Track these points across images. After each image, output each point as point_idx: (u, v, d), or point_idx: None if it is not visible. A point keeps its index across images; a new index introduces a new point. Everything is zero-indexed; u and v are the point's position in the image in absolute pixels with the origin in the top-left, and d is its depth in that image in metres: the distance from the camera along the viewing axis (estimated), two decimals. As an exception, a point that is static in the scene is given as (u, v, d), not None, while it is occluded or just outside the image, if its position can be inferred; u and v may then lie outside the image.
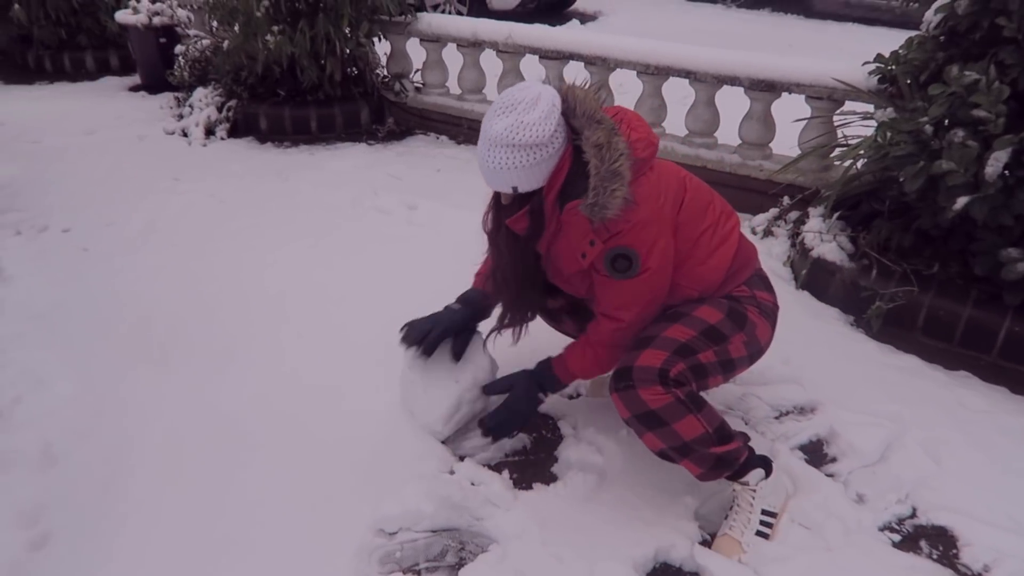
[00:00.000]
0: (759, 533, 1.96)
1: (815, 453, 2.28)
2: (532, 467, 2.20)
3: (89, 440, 2.23)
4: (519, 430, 2.26)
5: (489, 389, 2.23)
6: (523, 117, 1.77)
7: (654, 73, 4.07)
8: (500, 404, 2.15)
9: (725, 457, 1.89)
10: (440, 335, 2.20)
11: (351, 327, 2.74)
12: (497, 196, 1.97)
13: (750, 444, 2.01)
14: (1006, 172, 2.49)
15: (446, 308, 2.26)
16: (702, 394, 1.94)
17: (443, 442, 2.25)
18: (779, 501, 2.02)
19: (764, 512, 1.99)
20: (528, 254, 2.03)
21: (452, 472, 2.15)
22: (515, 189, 1.86)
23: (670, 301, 2.00)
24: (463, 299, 2.28)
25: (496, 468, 2.17)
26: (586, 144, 1.81)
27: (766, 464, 2.01)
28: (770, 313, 2.07)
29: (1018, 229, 2.60)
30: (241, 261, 3.29)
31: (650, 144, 1.91)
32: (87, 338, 2.72)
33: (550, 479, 2.17)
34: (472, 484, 2.10)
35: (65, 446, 2.20)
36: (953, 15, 2.77)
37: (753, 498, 1.98)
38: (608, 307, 1.98)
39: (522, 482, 2.15)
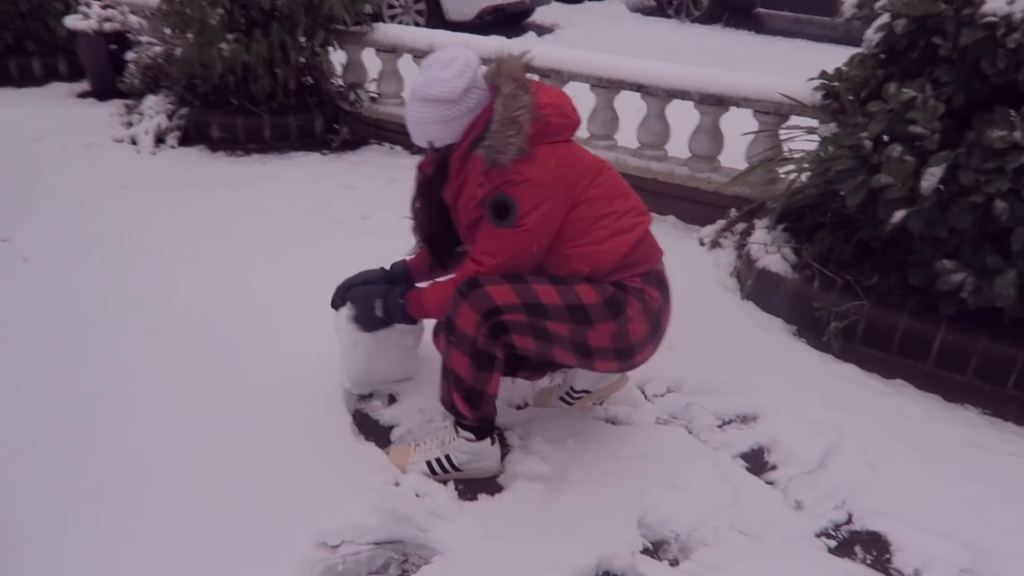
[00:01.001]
0: (429, 465, 2.16)
1: (756, 461, 2.32)
2: (478, 478, 2.20)
3: (28, 452, 2.17)
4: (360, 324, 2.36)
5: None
6: (437, 74, 1.96)
7: (606, 86, 4.12)
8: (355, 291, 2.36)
9: (458, 408, 2.07)
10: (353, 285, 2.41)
11: (300, 338, 2.71)
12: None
13: (488, 425, 2.14)
14: (941, 187, 2.57)
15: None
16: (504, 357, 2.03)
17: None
18: (468, 465, 2.16)
19: (449, 460, 2.16)
20: (435, 199, 2.18)
21: (397, 484, 2.14)
22: (431, 144, 2.06)
23: (560, 273, 2.04)
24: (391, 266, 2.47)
25: (442, 480, 2.17)
26: (497, 96, 1.95)
27: (488, 437, 2.15)
28: (652, 314, 2.07)
29: (953, 242, 2.68)
30: (190, 272, 3.24)
31: (562, 114, 2.02)
32: (27, 350, 2.66)
33: (496, 490, 2.17)
34: (417, 496, 2.09)
35: (2, 458, 2.14)
36: (892, 34, 2.86)
37: (450, 441, 2.16)
38: (477, 250, 2.04)
39: (468, 493, 2.15)
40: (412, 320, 2.36)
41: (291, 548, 1.89)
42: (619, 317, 2.00)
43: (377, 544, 1.96)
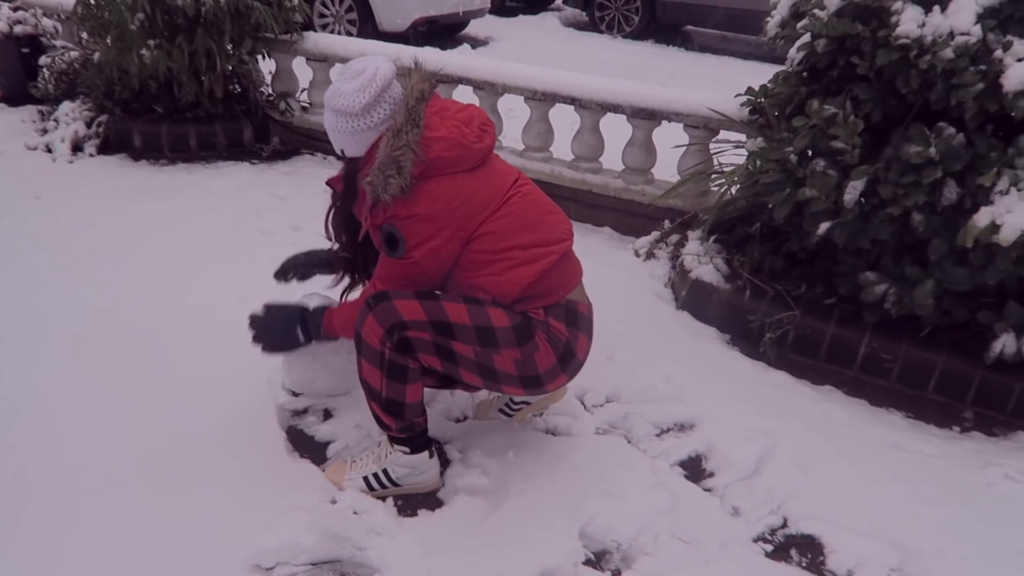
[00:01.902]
0: (366, 481, 2.13)
1: (694, 469, 2.36)
2: (418, 493, 2.16)
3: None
4: (273, 348, 2.31)
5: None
6: (342, 85, 1.94)
7: (541, 99, 4.15)
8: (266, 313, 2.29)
9: (382, 419, 2.05)
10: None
11: (227, 351, 2.61)
12: None
13: (419, 435, 2.11)
14: (862, 200, 2.67)
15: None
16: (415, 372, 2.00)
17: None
18: (407, 479, 2.14)
19: (386, 475, 2.12)
20: (340, 213, 2.16)
21: (334, 502, 2.08)
22: (343, 152, 2.02)
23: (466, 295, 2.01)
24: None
25: (380, 496, 2.12)
26: (388, 127, 1.90)
27: (426, 450, 2.14)
28: (558, 345, 2.00)
29: (875, 253, 2.79)
30: (112, 284, 3.10)
31: (459, 145, 1.94)
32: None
33: (436, 504, 2.14)
34: (355, 513, 2.04)
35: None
36: (813, 53, 2.96)
37: (387, 456, 2.12)
38: (375, 275, 2.06)
39: (407, 509, 2.11)
40: (327, 339, 2.30)
41: (223, 571, 1.82)
42: (525, 345, 1.96)
43: (314, 564, 1.90)
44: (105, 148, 4.72)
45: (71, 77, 5.06)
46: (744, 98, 3.49)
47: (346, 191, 2.07)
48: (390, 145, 1.86)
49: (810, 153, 2.84)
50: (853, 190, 2.65)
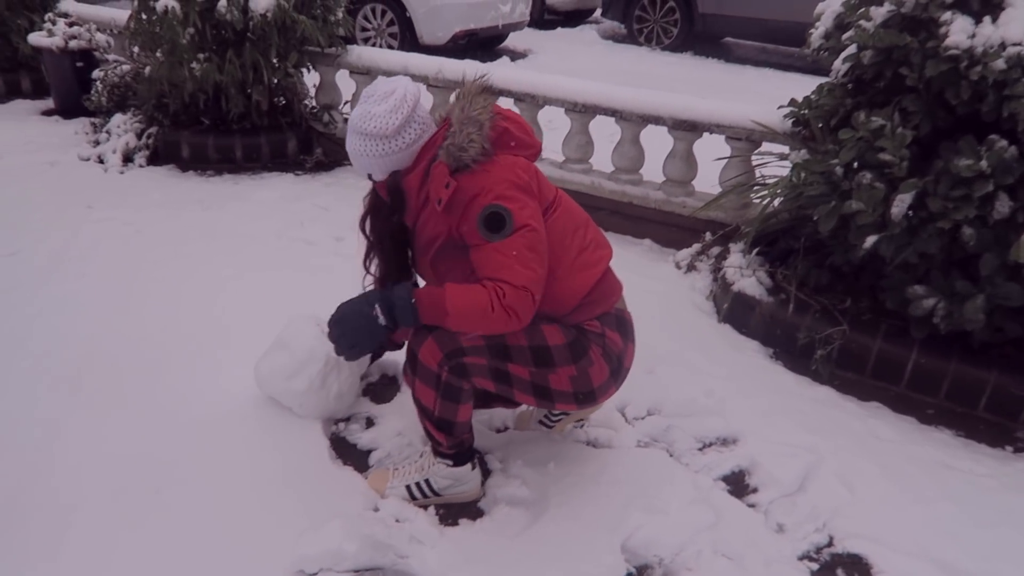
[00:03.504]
0: (408, 490, 2.13)
1: (737, 484, 2.33)
2: (459, 503, 2.17)
3: (-14, 481, 2.09)
4: (363, 348, 1.96)
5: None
6: (372, 108, 1.88)
7: (581, 111, 4.16)
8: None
9: (432, 435, 2.06)
10: None
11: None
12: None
13: (465, 450, 2.12)
14: (910, 213, 2.62)
15: None
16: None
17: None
18: (448, 489, 2.15)
19: (428, 485, 2.13)
20: (389, 223, 2.06)
21: (376, 509, 2.10)
22: (371, 177, 1.99)
23: None
24: None
25: (422, 505, 2.13)
26: (456, 103, 1.90)
27: (469, 462, 2.14)
28: (613, 358, 2.01)
29: (923, 267, 2.74)
30: (159, 292, 3.17)
31: (523, 130, 1.97)
32: (-13, 373, 2.57)
33: (476, 514, 2.14)
34: (396, 521, 2.06)
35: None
36: (859, 64, 2.93)
37: (429, 466, 2.13)
38: (487, 270, 1.82)
39: (448, 518, 2.12)
40: (418, 324, 1.91)
41: (268, 575, 1.84)
42: (580, 361, 1.96)
43: (356, 572, 1.91)
44: (154, 159, 4.84)
45: (122, 90, 5.20)
46: (787, 110, 3.46)
47: (394, 202, 1.99)
48: (466, 109, 1.87)
49: (856, 165, 2.80)
50: (901, 203, 2.60)
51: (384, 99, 1.88)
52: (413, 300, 1.85)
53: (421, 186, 1.93)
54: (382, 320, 1.87)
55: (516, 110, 4.38)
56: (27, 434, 2.28)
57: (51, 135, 5.28)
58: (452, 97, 2.01)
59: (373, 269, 2.18)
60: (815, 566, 2.04)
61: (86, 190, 4.32)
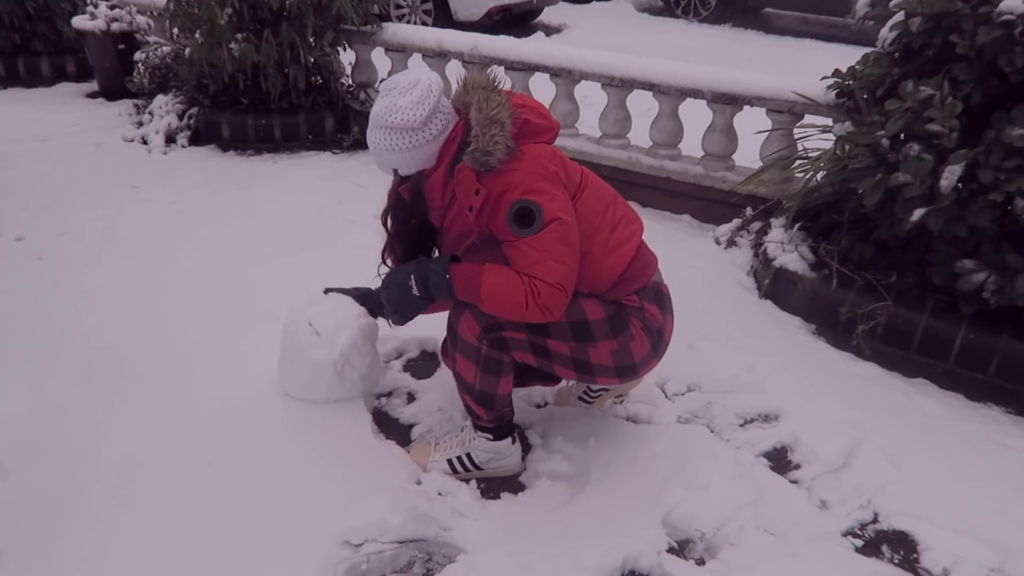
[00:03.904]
0: (450, 464, 2.15)
1: (779, 460, 2.31)
2: (500, 477, 2.19)
3: (44, 452, 2.16)
4: (404, 315, 2.05)
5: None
6: (397, 100, 1.83)
7: (619, 85, 4.11)
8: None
9: (473, 409, 2.07)
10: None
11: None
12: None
13: (505, 424, 2.14)
14: (959, 185, 2.55)
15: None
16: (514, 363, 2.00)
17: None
18: (489, 463, 2.17)
19: (470, 459, 2.15)
20: (411, 223, 2.05)
21: (419, 483, 2.12)
22: (396, 172, 1.92)
23: None
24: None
25: (464, 479, 2.16)
26: (470, 105, 1.86)
27: (509, 436, 2.16)
28: (653, 331, 2.01)
29: (972, 241, 2.67)
30: (202, 271, 3.23)
31: (541, 115, 1.94)
32: (41, 350, 2.64)
33: (518, 488, 2.16)
34: (439, 494, 2.08)
35: (17, 459, 2.13)
36: (907, 32, 2.84)
37: (470, 440, 2.15)
38: (522, 265, 1.81)
39: (490, 492, 2.14)
40: (453, 299, 1.95)
41: (314, 546, 1.88)
42: (621, 335, 1.95)
43: (400, 543, 1.95)
44: (196, 139, 4.92)
45: (164, 71, 5.28)
46: (831, 81, 3.39)
47: (416, 203, 1.97)
48: (483, 109, 1.82)
49: (903, 137, 2.74)
50: (950, 175, 2.54)
51: (409, 91, 1.83)
52: (448, 275, 1.88)
53: (445, 185, 1.91)
54: (416, 291, 1.94)
55: (552, 86, 4.36)
56: (79, 409, 2.35)
57: (96, 117, 5.38)
58: (460, 88, 1.95)
59: (391, 263, 2.15)
60: (859, 543, 2.02)
61: (131, 171, 4.40)
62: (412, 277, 1.94)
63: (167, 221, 3.75)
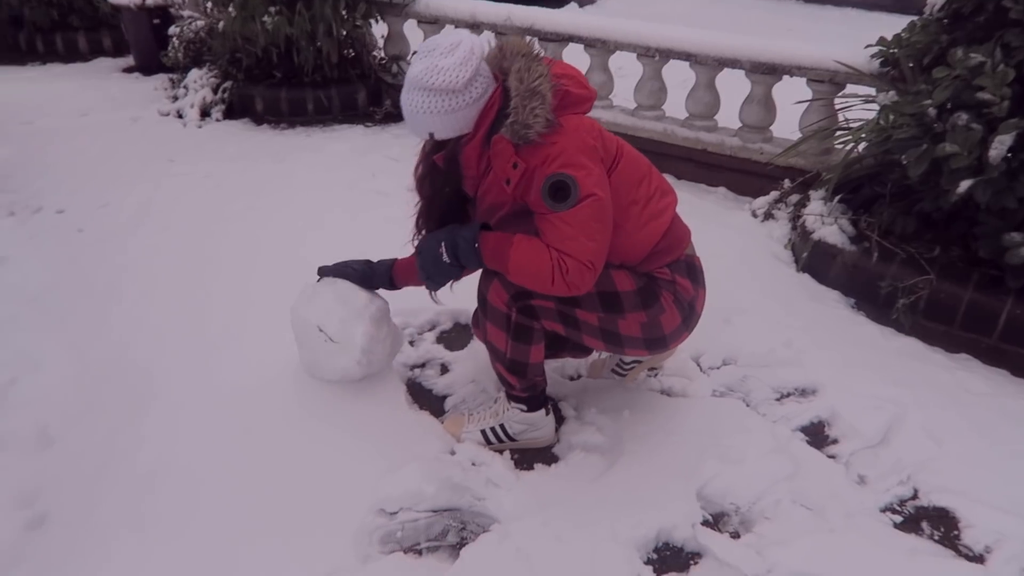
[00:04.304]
0: (484, 435, 2.16)
1: (816, 435, 2.28)
2: (533, 448, 2.19)
3: (87, 421, 2.21)
4: (436, 282, 2.03)
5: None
6: (439, 61, 1.77)
7: (654, 56, 4.04)
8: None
9: (505, 378, 2.08)
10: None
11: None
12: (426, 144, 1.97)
13: (538, 395, 2.13)
14: (1009, 155, 2.47)
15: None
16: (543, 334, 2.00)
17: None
18: (523, 435, 2.17)
19: (503, 430, 2.15)
20: (444, 191, 2.00)
21: (453, 453, 2.13)
22: (431, 136, 1.86)
23: None
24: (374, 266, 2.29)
25: (497, 450, 2.16)
26: (509, 74, 1.81)
27: (543, 407, 2.16)
28: (684, 304, 1.98)
29: (1021, 213, 2.59)
30: (238, 243, 3.27)
31: (580, 84, 1.90)
32: (83, 320, 2.70)
33: (551, 460, 2.16)
34: (473, 464, 2.09)
35: (60, 429, 2.18)
36: (958, -3, 2.75)
37: (504, 411, 2.15)
38: (553, 239, 1.79)
39: (523, 463, 2.14)
40: (482, 267, 1.97)
41: (351, 514, 1.91)
42: (651, 308, 1.93)
43: (434, 512, 1.96)
44: (230, 113, 4.95)
45: (198, 46, 5.31)
46: (875, 49, 3.29)
47: (451, 171, 1.93)
48: (525, 80, 1.77)
49: (950, 106, 2.65)
50: (1000, 145, 2.45)
51: (451, 51, 1.78)
52: (477, 244, 1.88)
53: (481, 155, 1.88)
54: (446, 258, 1.93)
55: (586, 57, 4.30)
56: (123, 377, 2.39)
57: (132, 92, 5.44)
58: (495, 51, 1.90)
59: (425, 231, 2.11)
60: (898, 519, 1.99)
61: (167, 144, 4.45)
62: (443, 244, 1.93)
63: (203, 194, 3.79)
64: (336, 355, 2.21)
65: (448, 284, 2.07)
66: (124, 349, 2.53)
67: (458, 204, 2.09)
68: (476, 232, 1.90)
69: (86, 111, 5.02)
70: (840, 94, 3.56)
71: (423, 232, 2.12)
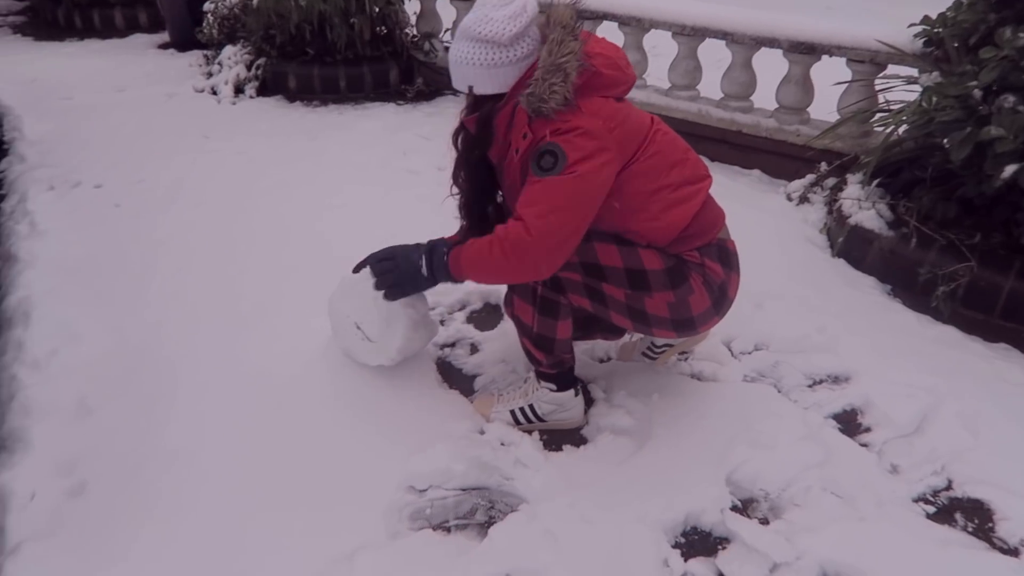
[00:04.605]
0: (513, 415, 2.17)
1: (849, 423, 2.25)
2: (562, 429, 2.19)
3: (124, 392, 2.25)
4: (403, 291, 2.08)
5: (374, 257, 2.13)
6: (490, 12, 1.79)
7: (690, 34, 3.98)
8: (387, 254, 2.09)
9: (532, 354, 2.07)
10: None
11: (381, 287, 2.72)
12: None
13: (566, 372, 2.12)
14: (1058, 140, 2.40)
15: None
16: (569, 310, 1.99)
17: None
18: (552, 415, 2.16)
19: (532, 410, 2.15)
20: (478, 158, 1.99)
21: (482, 432, 2.14)
22: (471, 89, 1.86)
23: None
24: None
25: (526, 430, 2.17)
26: (546, 43, 1.79)
27: (572, 388, 2.15)
28: (715, 288, 1.95)
29: (1069, 199, 2.52)
30: (272, 218, 3.29)
31: (615, 66, 1.86)
32: (121, 293, 2.74)
33: (580, 441, 2.16)
34: (502, 444, 2.10)
35: (100, 398, 2.23)
36: (1008, -25, 2.66)
37: (533, 391, 2.15)
38: (520, 203, 1.81)
39: (552, 444, 2.15)
40: (454, 281, 1.99)
41: (381, 491, 1.93)
42: (679, 288, 1.91)
43: (463, 490, 1.98)
44: (263, 90, 4.98)
45: (232, 22, 5.33)
46: (919, 28, 3.21)
47: (482, 135, 1.92)
48: (554, 53, 1.75)
49: (996, 88, 2.58)
50: (1048, 129, 2.38)
51: (505, 5, 1.79)
52: (446, 259, 1.93)
53: (508, 128, 1.87)
54: (425, 271, 1.97)
55: (620, 35, 4.24)
56: (158, 352, 2.44)
57: (168, 68, 5.50)
58: (542, 17, 1.87)
59: (457, 188, 2.13)
60: (931, 509, 1.96)
61: (201, 120, 4.49)
62: (423, 258, 1.97)
63: (237, 171, 3.82)
64: (372, 352, 2.23)
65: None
66: (159, 323, 2.57)
67: (488, 172, 2.06)
68: (449, 247, 1.94)
69: (123, 87, 5.08)
70: (881, 75, 3.48)
71: (457, 185, 2.11)
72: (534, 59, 1.83)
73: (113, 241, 3.11)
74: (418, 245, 2.03)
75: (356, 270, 2.21)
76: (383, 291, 2.07)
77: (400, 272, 2.02)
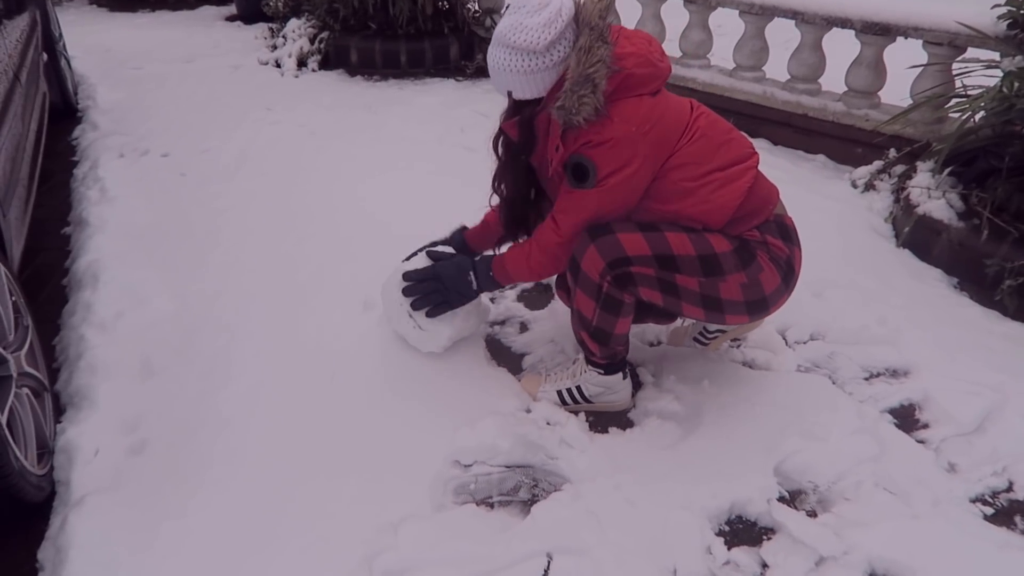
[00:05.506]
0: (560, 395, 2.17)
1: (906, 418, 2.19)
2: (609, 412, 2.19)
3: (185, 356, 2.33)
4: (445, 306, 2.17)
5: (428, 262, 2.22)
6: (525, 19, 1.76)
7: (758, 13, 3.86)
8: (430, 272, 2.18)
9: (587, 345, 2.06)
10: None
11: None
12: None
13: (620, 362, 2.12)
14: None
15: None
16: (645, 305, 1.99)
17: None
18: (599, 397, 2.16)
19: (579, 391, 2.15)
20: (518, 163, 2.02)
21: (528, 411, 2.15)
22: (510, 94, 1.85)
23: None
24: (450, 243, 2.35)
25: (572, 411, 2.17)
26: (574, 49, 1.76)
27: (620, 371, 2.13)
28: (782, 263, 1.93)
29: None
30: (331, 191, 3.35)
31: (648, 63, 1.82)
32: (184, 260, 2.83)
33: (626, 424, 2.15)
34: (548, 424, 2.10)
35: (162, 360, 2.31)
36: (1103, -47, 2.51)
37: (581, 373, 2.15)
38: (556, 209, 1.95)
39: (598, 425, 2.14)
40: (498, 287, 2.16)
41: (427, 463, 1.96)
42: (750, 266, 1.88)
43: (508, 467, 1.99)
44: (325, 63, 5.04)
45: (297, -5, 5.40)
46: (1003, 9, 3.06)
47: (524, 140, 1.92)
48: (582, 63, 1.73)
49: (1085, 74, 2.44)
50: None
51: (538, 11, 1.75)
52: (492, 273, 2.08)
53: (547, 132, 1.88)
54: (475, 286, 2.11)
55: (685, 13, 4.15)
56: (217, 319, 2.51)
57: (234, 39, 5.60)
58: (578, 9, 1.83)
59: (500, 192, 2.16)
60: (989, 510, 1.90)
61: (265, 92, 4.58)
62: (471, 274, 2.10)
63: (298, 143, 3.89)
64: (423, 339, 2.26)
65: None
66: (219, 292, 2.65)
67: (531, 175, 2.08)
68: (490, 262, 2.09)
69: (191, 58, 5.20)
70: (959, 58, 3.32)
71: (498, 191, 2.15)
72: (569, 64, 1.80)
73: (178, 209, 3.20)
74: (457, 264, 2.14)
75: (408, 258, 2.27)
76: (425, 310, 2.18)
77: (448, 291, 2.15)
